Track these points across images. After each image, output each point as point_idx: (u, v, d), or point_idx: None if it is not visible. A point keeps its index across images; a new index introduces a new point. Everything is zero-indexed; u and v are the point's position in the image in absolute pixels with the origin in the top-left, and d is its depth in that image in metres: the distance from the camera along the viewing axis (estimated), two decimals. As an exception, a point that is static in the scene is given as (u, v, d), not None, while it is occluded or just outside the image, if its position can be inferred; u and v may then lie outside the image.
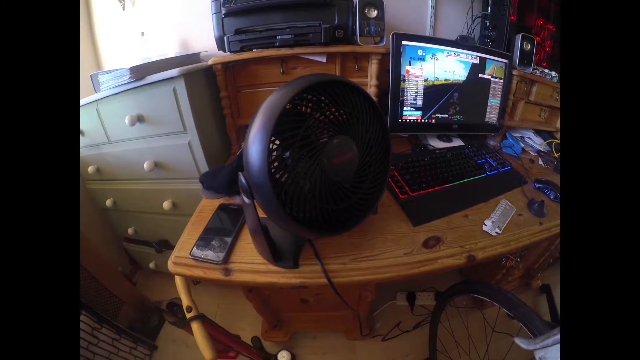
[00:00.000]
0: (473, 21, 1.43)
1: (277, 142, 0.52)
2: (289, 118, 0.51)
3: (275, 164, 0.51)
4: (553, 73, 1.36)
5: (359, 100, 0.57)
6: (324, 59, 1.05)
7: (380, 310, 1.38)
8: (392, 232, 0.72)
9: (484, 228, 0.79)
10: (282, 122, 0.49)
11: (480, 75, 1.15)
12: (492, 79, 1.18)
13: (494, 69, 1.18)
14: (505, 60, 1.21)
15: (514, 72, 1.22)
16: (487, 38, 1.38)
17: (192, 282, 1.49)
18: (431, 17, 1.42)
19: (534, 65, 1.30)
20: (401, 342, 1.27)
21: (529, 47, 1.26)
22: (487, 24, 1.40)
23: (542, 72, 1.34)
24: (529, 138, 1.35)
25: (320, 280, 0.61)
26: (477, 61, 1.14)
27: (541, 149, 1.31)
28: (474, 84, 1.15)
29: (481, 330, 1.22)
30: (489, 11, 1.40)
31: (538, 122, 1.39)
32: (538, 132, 1.41)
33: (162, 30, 1.43)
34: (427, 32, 1.42)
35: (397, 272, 0.63)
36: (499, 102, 1.22)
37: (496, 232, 0.78)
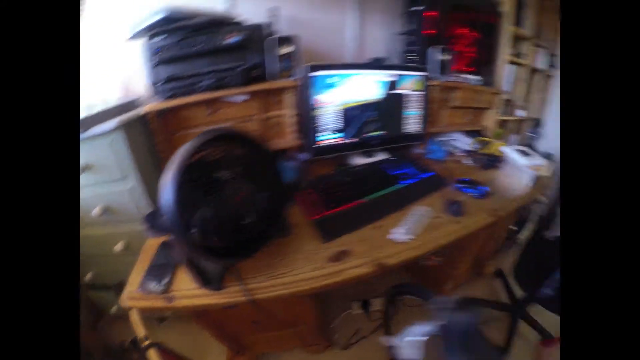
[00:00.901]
0: (396, 38, 1.58)
1: (185, 186, 0.63)
2: (194, 167, 0.63)
3: (183, 205, 0.62)
4: (474, 77, 1.52)
5: (252, 147, 0.70)
6: (246, 97, 1.16)
7: (337, 321, 1.48)
8: (304, 250, 0.84)
9: (394, 236, 0.90)
10: (186, 170, 0.61)
11: (396, 91, 1.30)
12: (410, 92, 1.33)
13: (411, 82, 1.32)
14: (424, 73, 1.35)
15: (432, 83, 1.36)
16: (410, 53, 1.54)
17: (158, 321, 1.56)
18: (355, 38, 1.57)
19: (453, 73, 1.45)
20: (362, 349, 1.36)
21: (445, 57, 1.41)
22: (410, 40, 1.55)
23: (464, 78, 1.50)
24: (457, 140, 1.50)
25: (244, 298, 0.72)
26: (393, 78, 1.28)
27: (470, 148, 1.45)
28: (392, 100, 1.29)
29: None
30: (410, 28, 1.55)
31: (464, 123, 1.55)
32: (468, 132, 1.56)
33: (104, 74, 1.52)
34: (351, 55, 1.56)
35: (308, 285, 0.74)
36: (420, 112, 1.36)
37: (408, 238, 0.89)
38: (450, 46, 1.55)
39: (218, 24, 1.11)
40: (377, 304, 1.56)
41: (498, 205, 1.10)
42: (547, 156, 1.94)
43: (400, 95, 1.31)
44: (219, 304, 0.73)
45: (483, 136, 1.52)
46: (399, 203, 1.03)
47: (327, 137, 1.21)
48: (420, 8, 1.50)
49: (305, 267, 0.77)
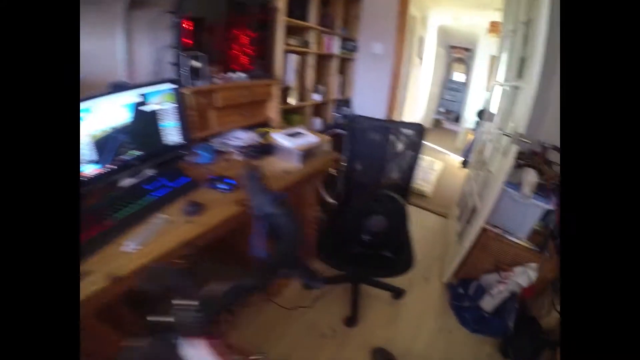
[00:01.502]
0: (164, 52, 1.62)
1: None
2: None
3: None
4: (241, 74, 1.63)
5: None
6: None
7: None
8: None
9: (124, 248, 0.97)
10: None
11: (145, 108, 1.34)
12: (163, 106, 1.39)
13: (161, 96, 1.38)
14: (175, 85, 1.42)
15: (188, 91, 1.44)
16: (175, 65, 1.59)
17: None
18: (126, 61, 1.55)
19: (216, 75, 1.55)
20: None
21: (197, 64, 1.50)
22: (173, 53, 1.61)
23: (227, 77, 1.59)
24: (236, 138, 1.63)
25: None
26: (139, 98, 1.32)
27: (249, 142, 1.58)
28: (143, 119, 1.34)
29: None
30: (172, 40, 1.60)
31: (239, 120, 1.66)
32: (255, 127, 1.69)
33: None
34: (120, 78, 1.52)
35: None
36: (179, 122, 1.43)
37: (136, 248, 0.97)
38: (226, 49, 1.66)
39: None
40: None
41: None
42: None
43: (151, 111, 1.37)
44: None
45: (269, 127, 1.66)
46: (143, 216, 1.10)
47: (84, 170, 1.20)
48: (178, 20, 1.57)
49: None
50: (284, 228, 0.82)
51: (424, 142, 1.62)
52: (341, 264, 1.56)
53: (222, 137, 1.63)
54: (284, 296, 1.87)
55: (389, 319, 1.82)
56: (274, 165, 1.51)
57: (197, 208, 1.13)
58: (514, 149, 1.55)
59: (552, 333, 1.65)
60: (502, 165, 1.63)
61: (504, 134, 1.72)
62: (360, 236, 1.47)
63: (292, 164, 1.52)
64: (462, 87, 6.98)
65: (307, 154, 1.58)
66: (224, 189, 1.23)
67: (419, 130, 1.64)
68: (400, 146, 1.65)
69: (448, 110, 7.42)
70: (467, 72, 6.68)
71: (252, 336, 1.62)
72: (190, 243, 1.06)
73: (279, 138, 1.56)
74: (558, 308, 1.62)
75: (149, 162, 1.40)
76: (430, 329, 1.80)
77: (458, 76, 7.19)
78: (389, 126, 1.70)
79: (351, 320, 1.73)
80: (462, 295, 1.94)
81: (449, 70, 7.29)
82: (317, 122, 2.56)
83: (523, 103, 1.54)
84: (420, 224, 2.95)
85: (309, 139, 1.61)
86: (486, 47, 5.17)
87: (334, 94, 2.67)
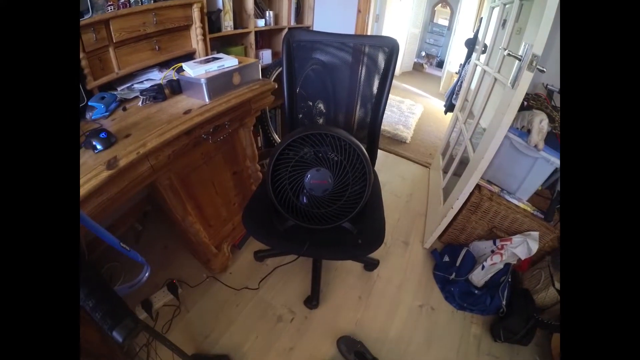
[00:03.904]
0: None
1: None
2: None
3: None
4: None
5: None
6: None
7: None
8: None
9: None
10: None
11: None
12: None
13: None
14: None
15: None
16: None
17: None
18: None
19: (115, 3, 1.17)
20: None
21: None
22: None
23: (121, 4, 1.19)
24: (148, 80, 1.28)
25: None
26: None
27: (164, 81, 1.26)
28: None
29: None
30: None
31: (151, 56, 1.31)
32: (165, 64, 1.36)
33: None
34: None
35: None
36: None
37: None
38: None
39: None
40: (158, 300, 1.44)
41: (124, 151, 0.91)
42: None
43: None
44: None
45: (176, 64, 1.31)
46: None
47: None
48: None
49: None
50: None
51: (395, 65, 1.19)
52: (273, 240, 1.14)
53: (133, 80, 1.28)
54: (233, 273, 1.65)
55: (359, 296, 1.58)
56: (176, 106, 1.17)
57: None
58: (527, 77, 1.17)
59: (547, 312, 1.43)
60: (508, 100, 1.24)
61: (511, 55, 1.30)
62: (296, 200, 1.07)
63: (198, 100, 1.20)
64: (445, 31, 6.84)
65: (222, 84, 1.24)
66: (99, 148, 0.92)
67: (391, 47, 1.17)
68: (363, 71, 1.24)
69: (429, 54, 7.35)
70: (452, 15, 6.65)
71: (199, 322, 1.42)
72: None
73: (188, 68, 1.22)
74: (557, 285, 1.36)
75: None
76: (408, 306, 1.57)
77: (442, 22, 7.05)
78: (346, 42, 1.22)
79: (312, 301, 1.49)
80: (448, 264, 1.68)
81: (432, 14, 7.06)
82: (267, 55, 2.15)
83: (539, 14, 1.11)
84: (399, 174, 2.68)
85: (223, 62, 1.26)
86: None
87: (287, 20, 2.20)
